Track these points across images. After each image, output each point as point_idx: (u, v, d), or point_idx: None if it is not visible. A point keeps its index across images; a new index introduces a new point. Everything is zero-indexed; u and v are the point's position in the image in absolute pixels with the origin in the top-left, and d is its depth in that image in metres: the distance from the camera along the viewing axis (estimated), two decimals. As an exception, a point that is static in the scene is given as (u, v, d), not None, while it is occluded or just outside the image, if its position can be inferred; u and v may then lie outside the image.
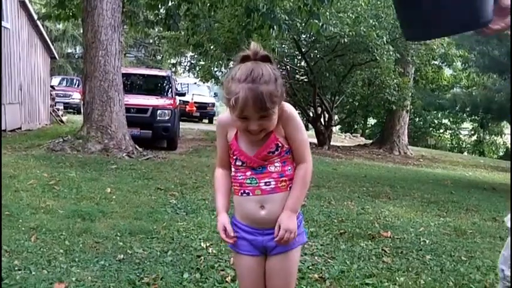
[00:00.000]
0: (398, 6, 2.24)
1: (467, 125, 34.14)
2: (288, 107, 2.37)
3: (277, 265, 2.50)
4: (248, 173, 2.42)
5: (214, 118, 29.12)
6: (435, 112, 31.99)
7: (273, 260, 2.50)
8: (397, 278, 4.45)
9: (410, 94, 20.80)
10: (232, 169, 2.51)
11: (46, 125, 19.97)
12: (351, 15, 16.73)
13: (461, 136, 35.50)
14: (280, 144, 2.37)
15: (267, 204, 2.41)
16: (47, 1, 20.29)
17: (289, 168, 2.44)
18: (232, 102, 2.19)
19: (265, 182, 2.40)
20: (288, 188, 2.43)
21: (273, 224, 2.42)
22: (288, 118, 2.36)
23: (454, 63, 24.27)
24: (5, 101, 15.23)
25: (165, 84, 17.37)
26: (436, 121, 33.87)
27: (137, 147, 12.30)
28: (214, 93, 32.93)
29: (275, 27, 12.88)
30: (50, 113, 21.19)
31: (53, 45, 22.80)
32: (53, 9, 15.24)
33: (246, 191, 2.44)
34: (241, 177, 2.44)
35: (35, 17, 18.42)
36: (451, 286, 4.40)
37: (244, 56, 2.27)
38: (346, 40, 16.84)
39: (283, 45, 19.59)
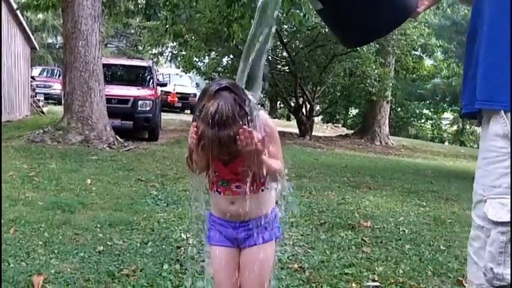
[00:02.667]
0: (333, 27, 2.33)
1: (448, 115, 34.35)
2: (270, 127, 2.36)
3: (249, 258, 2.54)
4: (220, 176, 2.47)
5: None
6: (416, 102, 32.16)
7: (245, 253, 2.56)
8: (376, 268, 4.49)
9: (391, 84, 20.88)
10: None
11: (26, 116, 19.79)
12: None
13: (442, 126, 35.70)
14: None
15: (237, 201, 2.47)
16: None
17: (261, 178, 2.44)
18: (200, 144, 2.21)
19: (236, 186, 2.45)
20: (260, 190, 2.46)
21: (243, 217, 2.49)
22: (268, 139, 2.34)
23: (435, 54, 24.39)
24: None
25: (146, 75, 17.30)
26: (417, 111, 34.02)
27: (118, 138, 12.26)
28: (196, 84, 32.76)
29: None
30: (31, 104, 21.01)
31: (33, 35, 22.58)
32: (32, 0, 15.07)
33: (218, 190, 2.50)
34: (214, 178, 2.48)
35: (14, 6, 18.21)
36: (430, 275, 4.44)
37: (207, 91, 2.24)
38: (327, 30, 16.85)
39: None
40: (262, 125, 2.30)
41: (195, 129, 2.21)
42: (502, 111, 1.73)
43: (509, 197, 1.69)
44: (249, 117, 2.20)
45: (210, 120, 2.13)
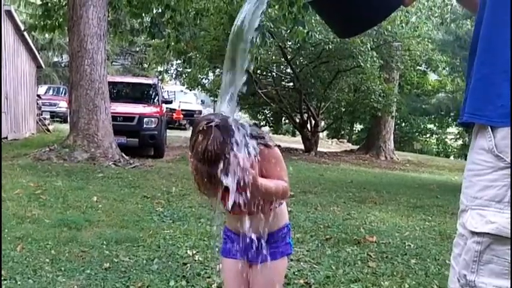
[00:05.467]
0: (325, 19, 2.32)
1: (453, 129, 34.32)
2: (267, 154, 2.37)
3: (259, 275, 2.57)
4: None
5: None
6: (421, 117, 32.16)
7: (256, 269, 2.58)
8: (382, 283, 4.49)
9: (395, 100, 20.91)
10: None
11: (33, 134, 19.88)
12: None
13: (447, 140, 35.68)
14: None
15: (246, 219, 2.48)
16: (33, 12, 20.17)
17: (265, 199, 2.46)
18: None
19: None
20: (265, 209, 2.46)
21: (253, 231, 2.48)
22: (267, 163, 2.37)
23: (439, 69, 24.43)
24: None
25: (151, 92, 17.38)
26: (422, 126, 34.03)
27: (124, 155, 12.27)
28: (201, 101, 32.94)
29: (258, 35, 12.92)
30: (37, 122, 21.11)
31: (39, 54, 22.73)
32: (39, 20, 15.18)
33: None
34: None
35: (21, 26, 18.36)
36: (435, 290, 4.45)
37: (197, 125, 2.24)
38: (330, 47, 16.98)
39: (269, 53, 19.63)
40: (257, 153, 2.29)
41: (191, 160, 2.25)
42: (489, 126, 1.74)
43: (488, 209, 1.74)
44: (239, 151, 2.19)
45: (201, 158, 2.15)
